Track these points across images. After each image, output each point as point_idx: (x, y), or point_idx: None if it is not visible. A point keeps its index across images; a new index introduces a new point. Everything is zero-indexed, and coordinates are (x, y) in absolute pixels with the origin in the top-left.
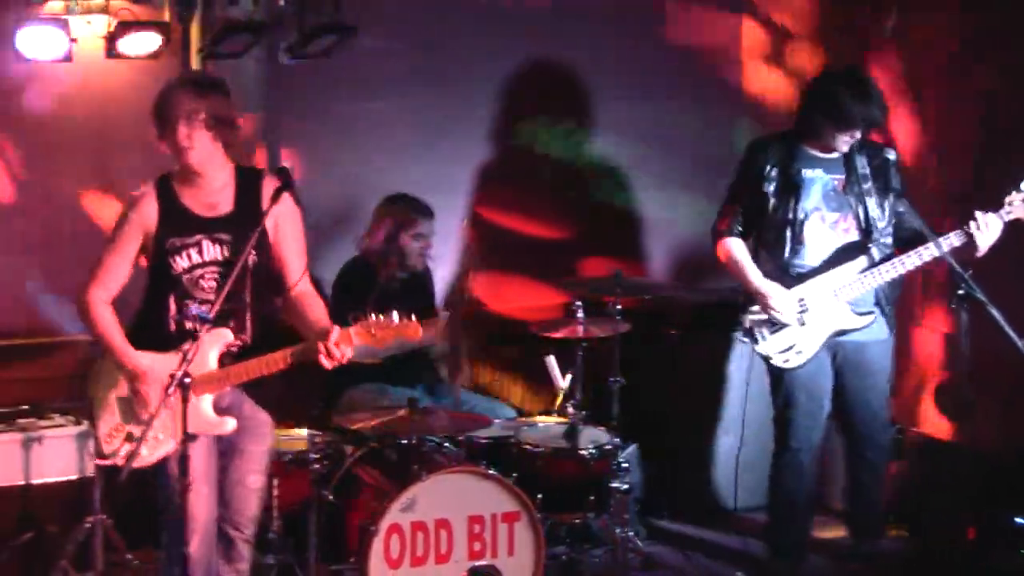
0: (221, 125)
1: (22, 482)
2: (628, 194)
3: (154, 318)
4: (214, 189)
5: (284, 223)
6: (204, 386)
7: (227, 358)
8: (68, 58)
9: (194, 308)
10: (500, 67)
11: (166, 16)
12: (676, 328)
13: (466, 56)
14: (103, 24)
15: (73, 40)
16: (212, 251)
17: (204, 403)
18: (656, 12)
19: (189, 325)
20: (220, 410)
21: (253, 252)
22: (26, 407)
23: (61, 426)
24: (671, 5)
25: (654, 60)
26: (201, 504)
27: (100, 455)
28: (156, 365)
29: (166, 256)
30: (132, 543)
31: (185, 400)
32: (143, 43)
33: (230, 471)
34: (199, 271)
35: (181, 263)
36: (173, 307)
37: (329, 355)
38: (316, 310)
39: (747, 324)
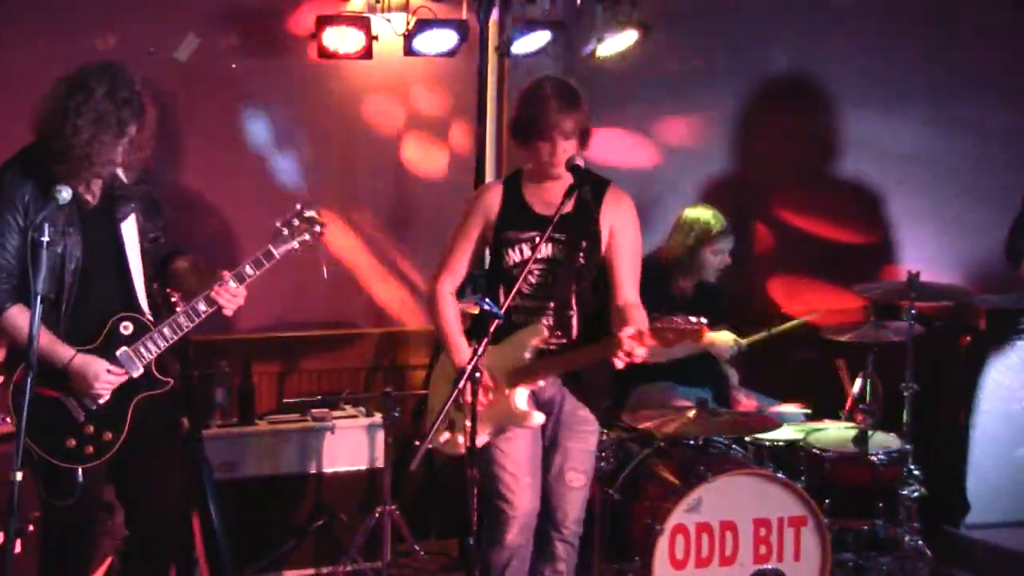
0: (583, 138)
1: (315, 471)
2: (927, 197)
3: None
4: (557, 190)
5: (620, 234)
6: (516, 378)
7: (544, 353)
8: (368, 55)
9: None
10: (801, 63)
11: (464, 14)
12: (973, 334)
13: (765, 53)
14: (402, 22)
15: (373, 37)
16: (544, 248)
17: (516, 396)
18: (958, 10)
19: (515, 318)
20: (538, 404)
21: (582, 255)
22: (319, 397)
23: (353, 417)
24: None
25: (959, 59)
26: (524, 494)
27: (422, 438)
28: (495, 357)
29: (501, 248)
30: (419, 534)
31: (474, 394)
32: (440, 41)
33: (551, 468)
34: (530, 266)
35: (514, 256)
36: (503, 299)
37: (628, 354)
38: (637, 322)
39: None
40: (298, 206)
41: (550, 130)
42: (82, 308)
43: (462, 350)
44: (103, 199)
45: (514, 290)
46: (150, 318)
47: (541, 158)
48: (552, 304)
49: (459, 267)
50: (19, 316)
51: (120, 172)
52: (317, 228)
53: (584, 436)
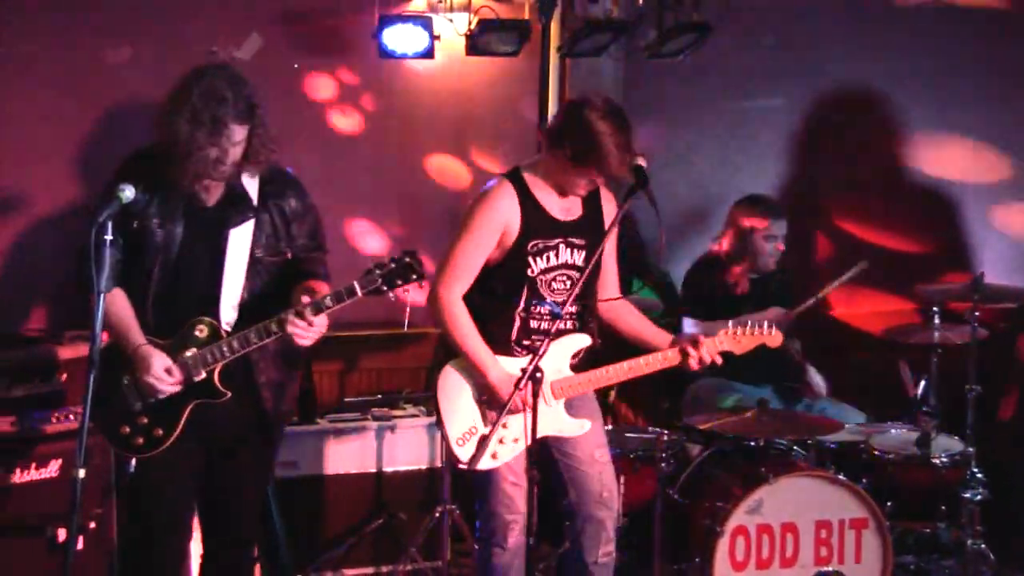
0: None
1: (374, 470)
2: (992, 199)
3: (498, 316)
4: (570, 195)
5: (612, 231)
6: (562, 390)
7: (579, 362)
8: (430, 55)
9: (548, 303)
10: (863, 67)
11: (526, 14)
12: None
13: (828, 56)
14: (464, 22)
15: (435, 37)
16: (566, 254)
17: (560, 406)
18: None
19: (535, 324)
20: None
21: (598, 257)
22: (380, 396)
23: (413, 416)
24: None
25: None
26: (522, 499)
27: (455, 460)
28: (513, 368)
29: (525, 256)
30: None
31: (535, 395)
32: (503, 41)
33: (578, 453)
34: (552, 273)
35: (539, 264)
36: (522, 305)
37: (700, 362)
38: (645, 319)
39: None
40: (401, 253)
41: (613, 172)
42: (169, 303)
43: (491, 360)
44: (221, 203)
45: (573, 296)
46: (227, 328)
47: (582, 181)
48: (575, 310)
49: (467, 276)
50: (111, 301)
51: (249, 179)
52: (414, 277)
53: (595, 412)
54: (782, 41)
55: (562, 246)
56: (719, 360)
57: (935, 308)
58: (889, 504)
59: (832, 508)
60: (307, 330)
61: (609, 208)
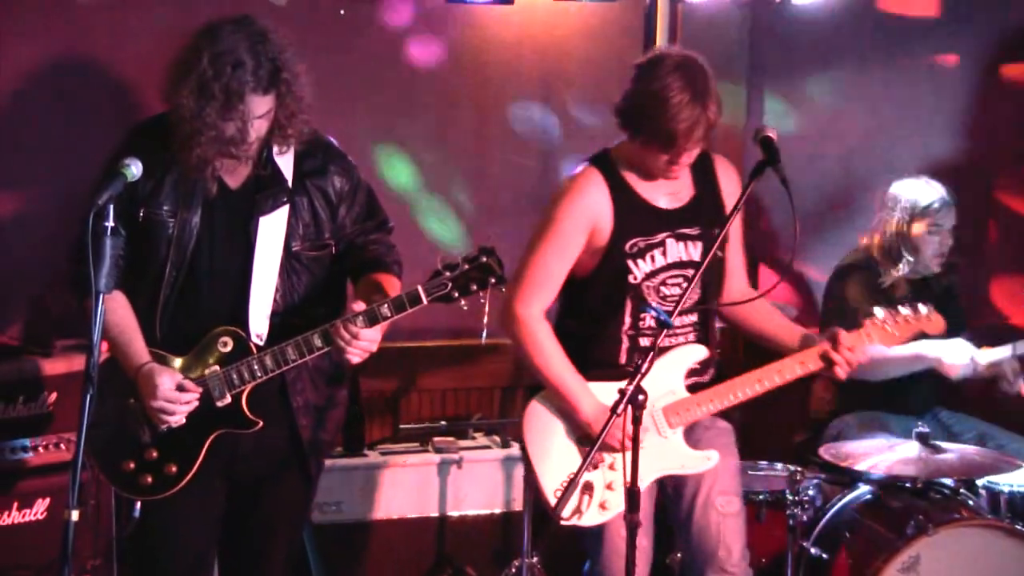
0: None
1: (436, 514)
2: None
3: (600, 338)
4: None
5: (738, 215)
6: (679, 416)
7: (695, 377)
8: (509, 0)
9: (652, 310)
10: None
11: None
12: None
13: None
14: None
15: None
16: (677, 250)
17: (677, 437)
18: None
19: (647, 342)
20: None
21: (718, 247)
22: (443, 423)
23: (485, 448)
24: None
25: None
26: (644, 560)
27: (555, 516)
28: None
29: (624, 260)
30: None
31: (636, 422)
32: None
33: (695, 498)
34: (661, 276)
35: (643, 268)
36: (628, 321)
37: (848, 364)
38: (776, 312)
39: None
40: (478, 250)
41: (680, 146)
42: (184, 310)
43: (582, 390)
44: (247, 185)
45: (684, 303)
46: (257, 341)
47: (660, 163)
48: (694, 317)
49: (549, 288)
50: (109, 306)
51: (282, 155)
52: (492, 282)
53: (728, 448)
54: None
55: (670, 241)
56: (865, 359)
57: None
58: None
59: (1008, 567)
60: (358, 345)
61: (729, 185)
